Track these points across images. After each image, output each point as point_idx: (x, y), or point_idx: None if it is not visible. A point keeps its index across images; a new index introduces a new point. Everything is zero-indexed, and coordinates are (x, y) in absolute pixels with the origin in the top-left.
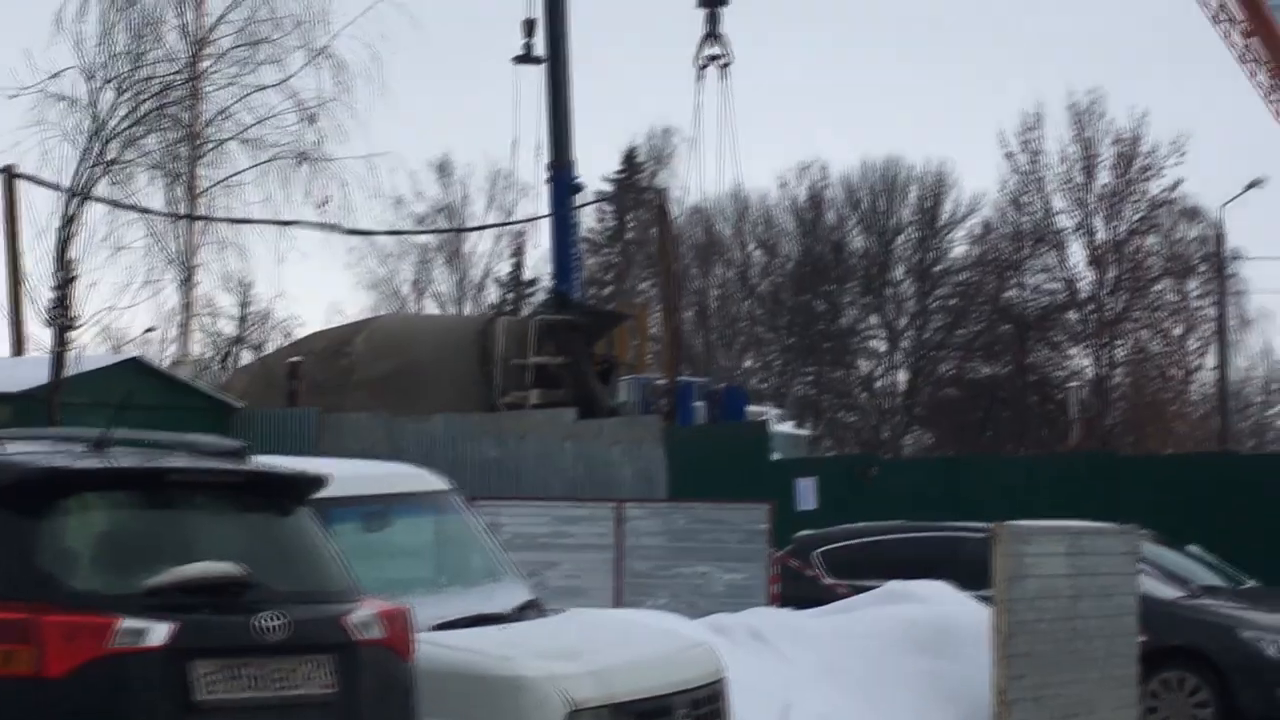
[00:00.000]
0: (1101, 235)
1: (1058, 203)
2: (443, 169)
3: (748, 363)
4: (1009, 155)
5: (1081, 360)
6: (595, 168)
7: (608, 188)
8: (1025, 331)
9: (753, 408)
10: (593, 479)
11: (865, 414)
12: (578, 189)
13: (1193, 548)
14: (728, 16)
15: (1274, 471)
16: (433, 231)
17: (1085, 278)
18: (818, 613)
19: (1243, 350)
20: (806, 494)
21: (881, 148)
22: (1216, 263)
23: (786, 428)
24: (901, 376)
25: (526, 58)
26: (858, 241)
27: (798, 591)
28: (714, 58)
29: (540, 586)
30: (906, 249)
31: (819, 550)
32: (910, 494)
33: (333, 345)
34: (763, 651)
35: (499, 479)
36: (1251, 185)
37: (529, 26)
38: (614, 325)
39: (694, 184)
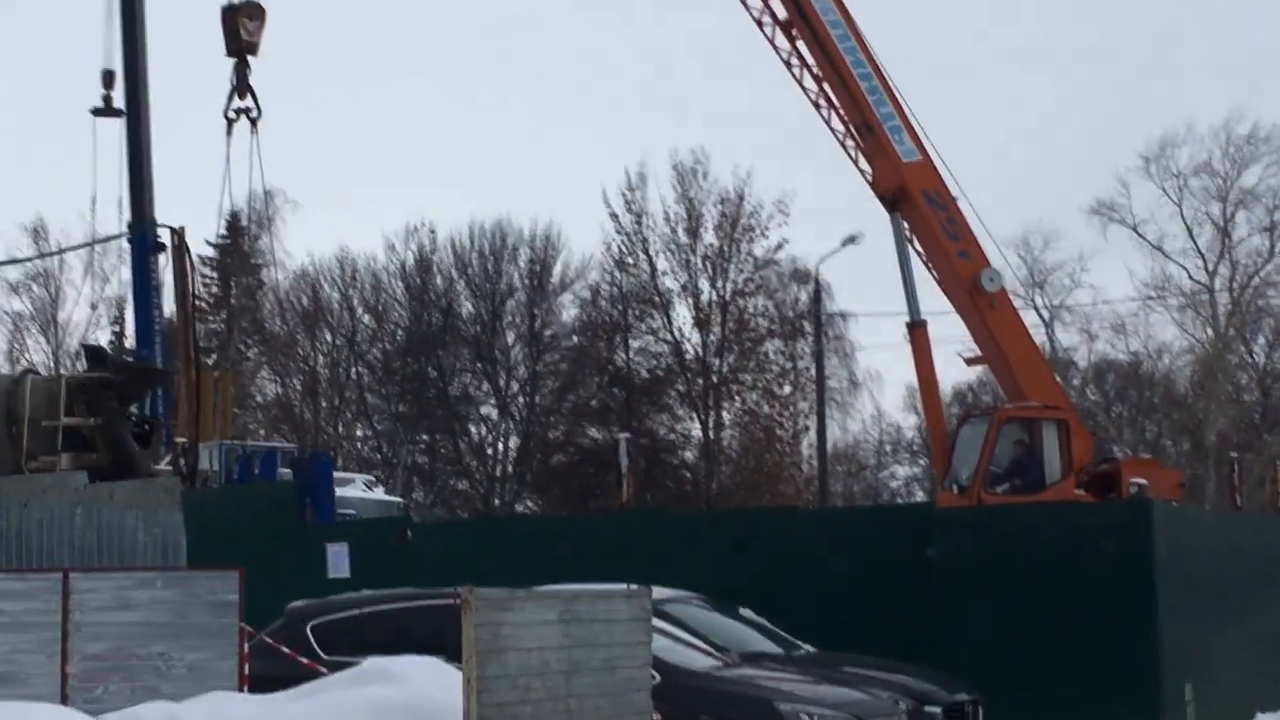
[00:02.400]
0: (707, 296)
1: (663, 264)
2: (36, 233)
3: (359, 431)
4: (613, 216)
5: (689, 423)
6: (200, 231)
7: (211, 253)
8: (631, 395)
9: (342, 474)
10: (107, 548)
11: (476, 481)
12: (160, 249)
13: (745, 611)
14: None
15: (840, 528)
16: None
17: (691, 339)
18: (277, 698)
19: (853, 412)
20: (339, 560)
21: (490, 209)
22: (814, 320)
23: (378, 494)
24: (514, 442)
25: (106, 110)
26: (467, 307)
27: (279, 670)
28: (242, 111)
29: None
30: (516, 314)
31: (313, 623)
32: (450, 558)
33: None
34: None
35: (1, 550)
36: (847, 241)
37: (108, 77)
38: (155, 383)
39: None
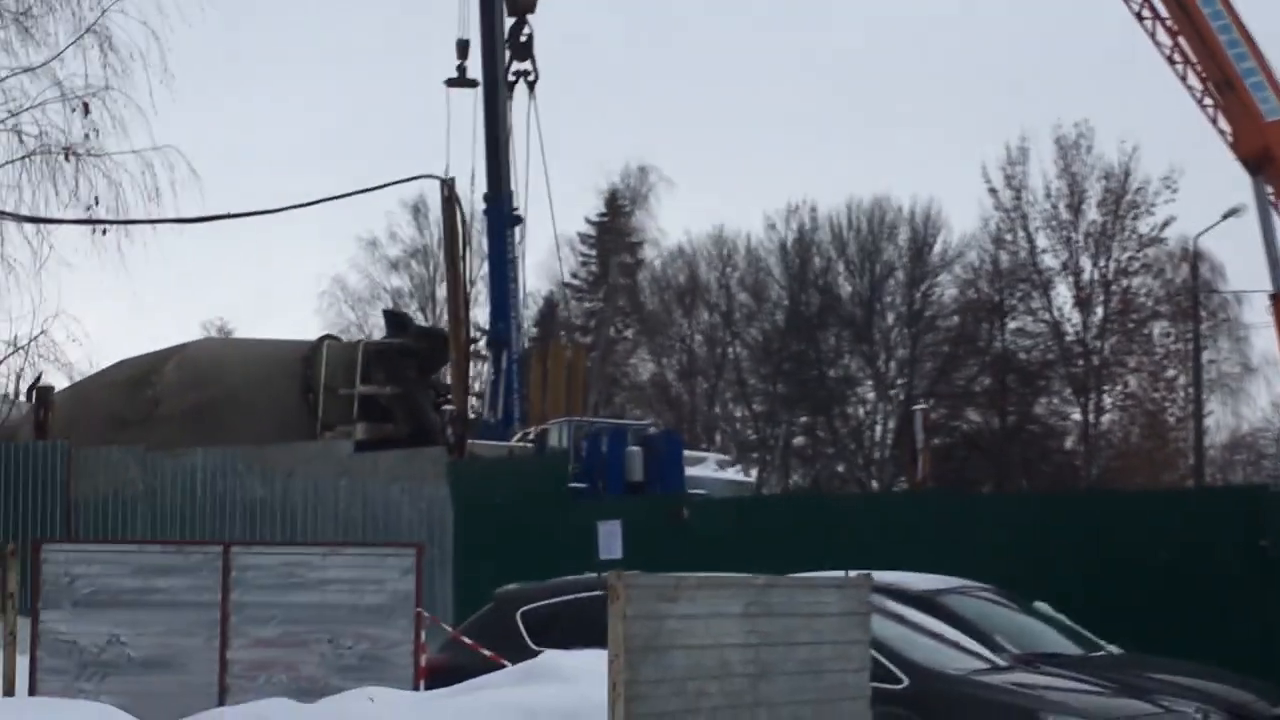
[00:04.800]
0: (1089, 276)
1: (1042, 241)
2: (417, 210)
3: (739, 412)
4: (992, 191)
5: (1066, 406)
6: (575, 209)
7: (589, 231)
8: (1005, 377)
9: (694, 453)
10: (371, 522)
11: (854, 463)
12: (517, 221)
13: (1040, 605)
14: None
15: (1161, 514)
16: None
17: (1071, 320)
18: (423, 697)
19: (1247, 398)
20: (611, 540)
21: (869, 186)
22: (1192, 298)
23: (730, 474)
24: (891, 425)
25: (460, 80)
26: (846, 287)
27: (475, 662)
28: (520, 74)
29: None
30: (896, 294)
31: (523, 609)
32: (728, 538)
33: (139, 374)
34: None
35: (266, 522)
36: (1229, 214)
37: (463, 48)
38: None
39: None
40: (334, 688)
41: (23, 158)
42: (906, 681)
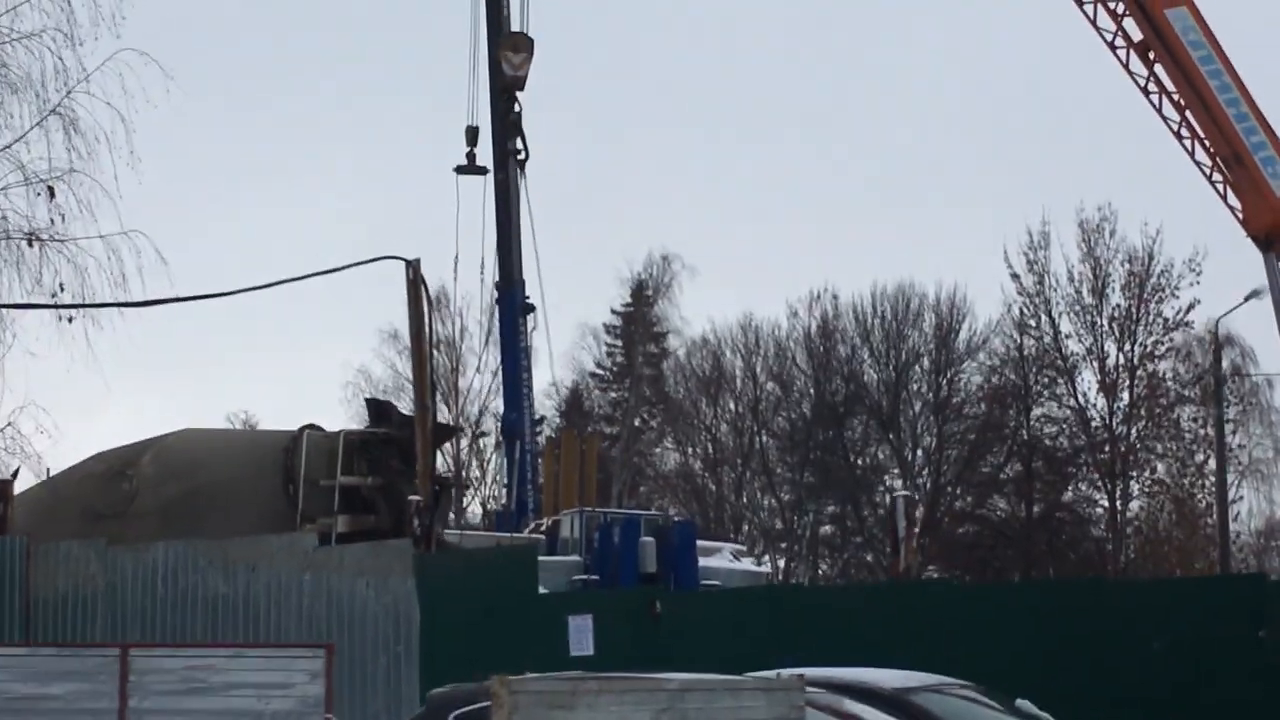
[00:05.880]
0: (1114, 360)
1: (1066, 326)
2: (438, 300)
3: (768, 501)
4: (1014, 276)
5: (1093, 492)
6: (599, 298)
7: (614, 321)
8: (1032, 464)
9: (708, 543)
10: (335, 616)
11: (881, 552)
12: (529, 309)
13: (1022, 703)
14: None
15: (1154, 604)
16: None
17: (1097, 405)
18: None
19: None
20: (581, 635)
21: (892, 272)
22: (1215, 380)
23: (745, 564)
24: (919, 513)
25: (470, 168)
26: (871, 374)
27: None
28: (511, 153)
29: None
30: (920, 381)
31: (456, 713)
32: (708, 633)
33: (115, 467)
34: None
35: (227, 619)
36: (1250, 296)
37: (472, 134)
38: (444, 439)
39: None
40: None
41: None
42: None
